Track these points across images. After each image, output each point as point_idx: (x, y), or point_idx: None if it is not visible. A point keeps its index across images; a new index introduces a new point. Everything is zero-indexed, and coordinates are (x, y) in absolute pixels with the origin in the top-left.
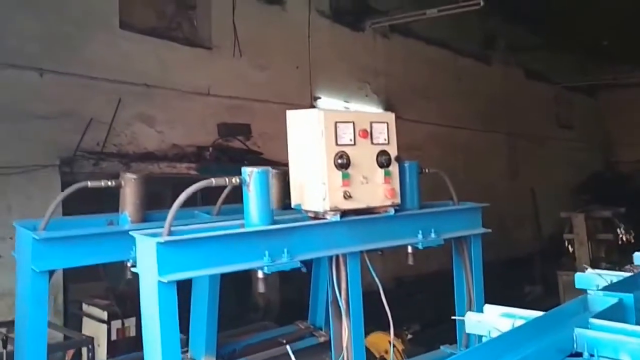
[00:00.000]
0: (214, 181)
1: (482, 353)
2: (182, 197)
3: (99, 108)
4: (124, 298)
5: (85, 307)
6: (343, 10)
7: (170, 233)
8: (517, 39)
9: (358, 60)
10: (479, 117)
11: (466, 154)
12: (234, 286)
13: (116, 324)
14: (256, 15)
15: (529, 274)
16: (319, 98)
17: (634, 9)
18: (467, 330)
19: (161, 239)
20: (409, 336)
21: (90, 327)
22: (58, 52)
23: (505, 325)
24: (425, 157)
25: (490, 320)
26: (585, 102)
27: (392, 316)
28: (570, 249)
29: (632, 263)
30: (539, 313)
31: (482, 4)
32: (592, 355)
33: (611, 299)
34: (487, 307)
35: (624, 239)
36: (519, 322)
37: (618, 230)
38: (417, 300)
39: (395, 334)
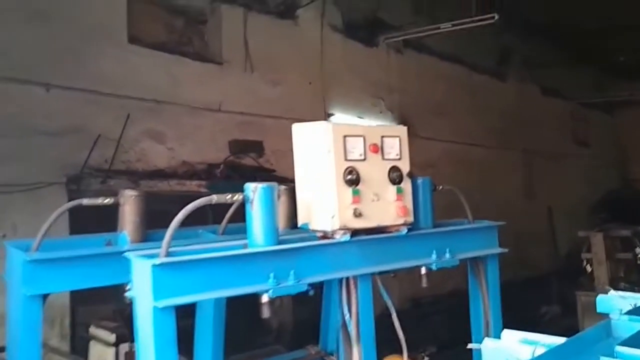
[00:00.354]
0: (215, 198)
1: None
2: (180, 215)
3: (107, 124)
4: (132, 319)
5: (92, 329)
6: (356, 25)
7: (168, 254)
8: (533, 54)
9: (371, 75)
10: (493, 134)
11: (481, 171)
12: (244, 307)
13: (124, 347)
14: (268, 30)
15: (545, 294)
16: (332, 114)
17: None
18: (485, 359)
19: (157, 261)
20: (426, 359)
21: (97, 351)
22: (65, 66)
23: (525, 352)
24: (439, 175)
25: (508, 347)
26: (602, 118)
27: (408, 338)
28: (589, 269)
29: None
30: (561, 339)
31: (496, 17)
32: None
33: (637, 325)
34: (506, 333)
35: None
36: (540, 350)
37: (638, 250)
38: (433, 321)
39: (411, 357)
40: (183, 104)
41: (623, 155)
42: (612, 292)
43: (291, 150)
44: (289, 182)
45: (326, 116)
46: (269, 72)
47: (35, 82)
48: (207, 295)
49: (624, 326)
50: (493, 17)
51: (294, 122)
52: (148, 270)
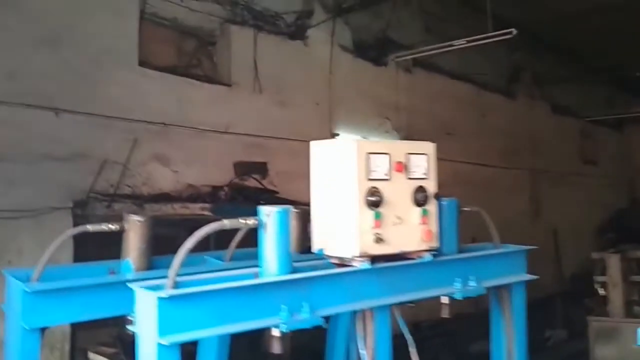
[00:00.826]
0: (227, 223)
1: None
2: (190, 242)
3: (115, 148)
4: (132, 345)
5: (90, 355)
6: (366, 45)
7: (175, 285)
8: (543, 71)
9: (379, 95)
10: (502, 153)
11: (488, 191)
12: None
13: None
14: (277, 51)
15: (549, 317)
16: (338, 134)
17: None
18: None
19: (163, 293)
20: None
21: None
22: (75, 91)
23: None
24: (445, 196)
25: None
26: (611, 136)
27: None
28: (601, 292)
29: None
30: None
31: (514, 32)
32: None
33: None
34: None
35: None
36: None
37: None
38: (434, 344)
39: None
40: (190, 126)
41: (632, 174)
42: None
43: (295, 171)
44: (292, 203)
45: (331, 136)
46: (277, 93)
47: (44, 106)
48: (217, 331)
49: None
50: (510, 33)
51: (299, 143)
52: (154, 304)
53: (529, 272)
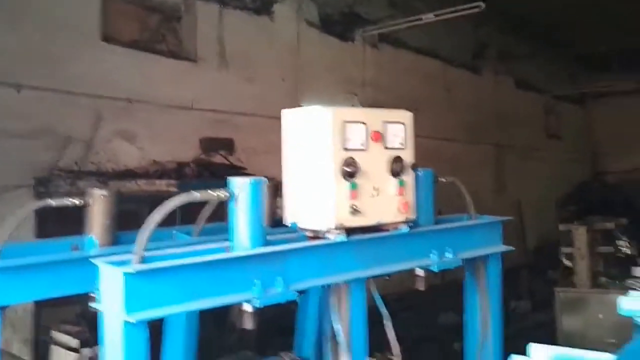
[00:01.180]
0: (197, 195)
1: None
2: (159, 214)
3: (78, 125)
4: (96, 323)
5: (54, 334)
6: (332, 20)
7: (142, 260)
8: (508, 47)
9: (346, 71)
10: (468, 129)
11: (454, 166)
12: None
13: (88, 352)
14: (243, 26)
15: (514, 289)
16: None
17: (626, 17)
18: None
19: (130, 268)
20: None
21: (59, 356)
22: (37, 66)
23: None
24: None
25: None
26: (574, 111)
27: (377, 338)
28: (567, 263)
29: (632, 276)
30: (603, 355)
31: (482, 6)
32: None
33: None
34: (534, 348)
35: (627, 252)
36: None
37: (620, 243)
38: (401, 319)
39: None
40: (156, 102)
41: (595, 149)
42: (632, 292)
43: (262, 147)
44: None
45: None
46: (243, 68)
47: (5, 82)
48: (187, 307)
49: None
50: (479, 7)
51: (266, 119)
52: (120, 280)
53: None
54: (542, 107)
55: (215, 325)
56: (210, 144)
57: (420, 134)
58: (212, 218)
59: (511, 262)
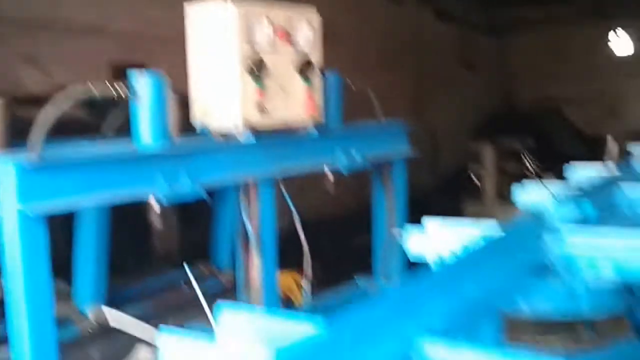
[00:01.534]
0: (95, 91)
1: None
2: (57, 107)
3: None
4: None
5: None
6: None
7: (39, 153)
8: None
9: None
10: (386, 58)
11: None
12: (127, 230)
13: None
14: None
15: (426, 213)
16: None
17: None
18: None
19: (25, 160)
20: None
21: None
22: None
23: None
24: None
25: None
26: (490, 43)
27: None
28: (475, 181)
29: None
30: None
31: None
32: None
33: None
34: (427, 220)
35: (533, 170)
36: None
37: (526, 162)
38: (318, 241)
39: (298, 272)
40: (62, 24)
41: (508, 79)
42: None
43: (176, 71)
44: None
45: None
46: None
47: None
48: (86, 200)
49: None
50: None
51: (180, 43)
52: (11, 171)
53: (411, 174)
54: (459, 38)
55: (137, 253)
56: (121, 69)
57: (337, 66)
58: None
59: (425, 190)
